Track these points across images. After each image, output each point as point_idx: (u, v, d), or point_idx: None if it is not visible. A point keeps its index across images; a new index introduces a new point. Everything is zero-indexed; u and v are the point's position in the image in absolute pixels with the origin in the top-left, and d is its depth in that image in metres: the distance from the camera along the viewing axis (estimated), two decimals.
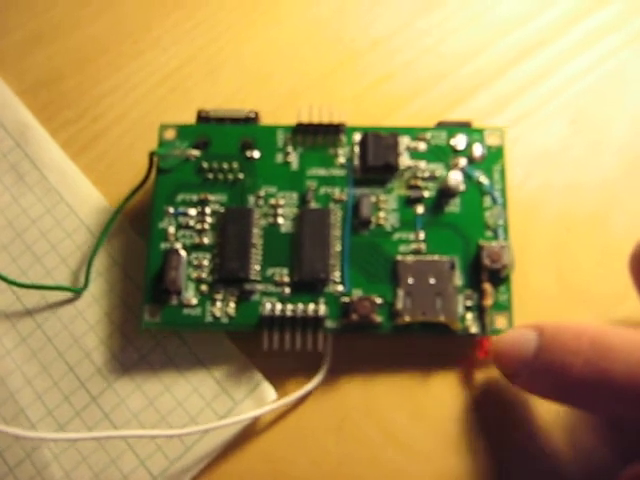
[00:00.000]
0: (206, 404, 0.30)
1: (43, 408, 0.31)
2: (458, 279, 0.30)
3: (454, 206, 0.31)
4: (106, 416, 0.31)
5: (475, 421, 0.30)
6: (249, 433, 0.30)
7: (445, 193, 0.31)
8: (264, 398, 0.30)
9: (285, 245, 0.31)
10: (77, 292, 0.33)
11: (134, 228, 0.34)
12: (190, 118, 0.33)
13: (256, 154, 0.32)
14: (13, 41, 0.39)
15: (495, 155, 0.31)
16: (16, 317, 0.33)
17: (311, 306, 0.29)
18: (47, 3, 0.39)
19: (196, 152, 0.32)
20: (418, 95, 0.35)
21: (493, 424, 0.29)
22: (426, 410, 0.30)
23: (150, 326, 0.30)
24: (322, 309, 0.29)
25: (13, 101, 0.37)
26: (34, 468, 0.30)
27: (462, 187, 0.31)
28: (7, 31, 0.39)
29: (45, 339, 0.32)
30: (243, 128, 0.32)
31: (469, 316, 0.29)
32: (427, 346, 0.30)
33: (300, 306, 0.29)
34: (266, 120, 0.33)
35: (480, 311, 0.29)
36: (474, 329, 0.29)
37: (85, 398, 0.31)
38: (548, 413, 0.29)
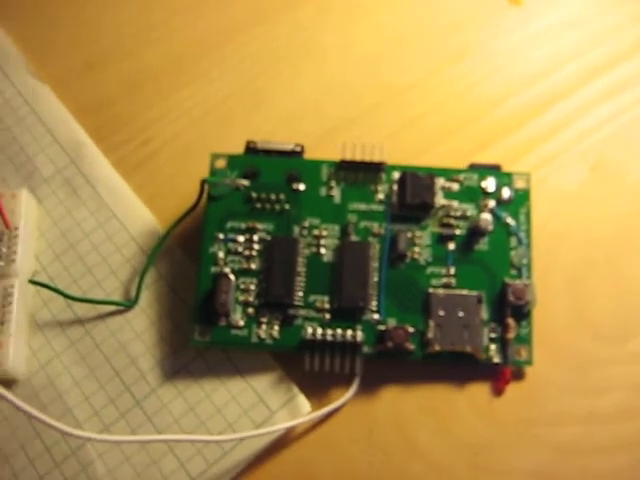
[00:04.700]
0: (244, 412, 0.33)
1: (90, 409, 0.33)
2: (484, 313, 0.32)
3: (483, 244, 0.33)
4: (149, 419, 0.33)
5: (496, 439, 0.32)
6: (283, 441, 0.32)
7: (475, 232, 0.33)
8: (299, 409, 0.32)
9: (326, 274, 0.33)
10: (128, 306, 0.35)
11: (180, 246, 0.36)
12: (234, 147, 0.35)
13: (301, 187, 0.34)
14: (72, 63, 0.41)
15: (522, 198, 0.34)
16: (66, 323, 0.35)
17: (349, 332, 0.32)
18: (105, 31, 0.41)
19: (245, 182, 0.34)
20: (450, 136, 0.37)
21: (513, 443, 0.32)
22: (450, 428, 0.32)
23: (199, 344, 0.33)
24: (359, 335, 0.32)
25: (69, 120, 0.39)
26: (79, 464, 0.32)
27: (491, 227, 0.33)
28: (67, 54, 0.41)
29: (93, 345, 0.34)
30: (290, 161, 0.35)
31: (493, 347, 0.32)
32: (453, 370, 0.33)
33: (339, 331, 0.32)
34: (308, 152, 0.35)
35: (503, 343, 0.32)
36: (497, 359, 0.32)
37: (130, 401, 0.33)
38: (569, 436, 0.32)
